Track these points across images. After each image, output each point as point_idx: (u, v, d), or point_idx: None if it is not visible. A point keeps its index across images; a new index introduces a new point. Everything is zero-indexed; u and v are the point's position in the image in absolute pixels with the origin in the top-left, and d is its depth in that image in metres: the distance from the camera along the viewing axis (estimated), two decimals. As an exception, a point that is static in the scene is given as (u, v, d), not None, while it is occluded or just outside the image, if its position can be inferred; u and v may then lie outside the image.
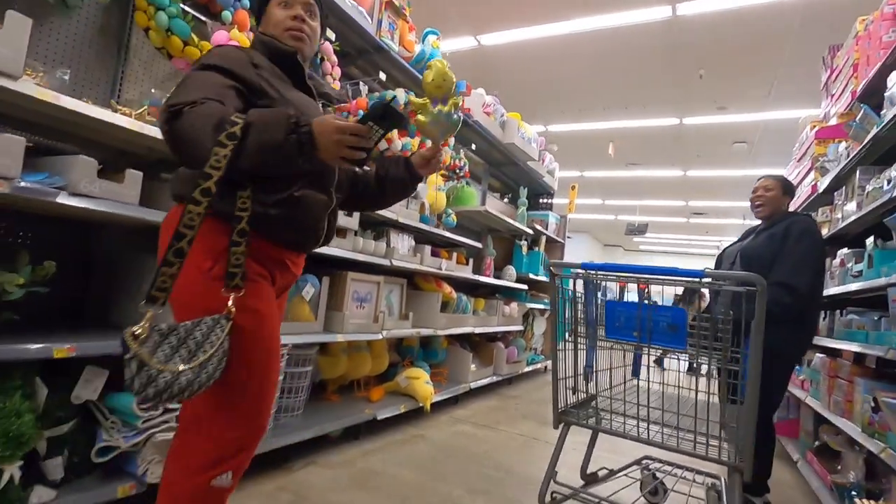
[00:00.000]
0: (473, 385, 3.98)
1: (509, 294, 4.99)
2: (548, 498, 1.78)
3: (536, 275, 5.24)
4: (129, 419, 1.59)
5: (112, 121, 1.48)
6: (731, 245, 2.57)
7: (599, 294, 1.98)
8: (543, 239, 5.59)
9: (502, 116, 4.52)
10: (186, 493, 1.04)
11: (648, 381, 1.91)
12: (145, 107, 1.68)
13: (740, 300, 1.50)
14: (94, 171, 1.45)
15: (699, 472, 2.23)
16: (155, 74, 2.17)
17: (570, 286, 1.90)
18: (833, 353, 2.56)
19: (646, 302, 1.60)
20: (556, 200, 6.54)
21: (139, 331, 0.92)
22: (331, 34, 2.56)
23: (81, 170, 1.42)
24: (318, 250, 1.67)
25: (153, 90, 1.90)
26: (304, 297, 2.33)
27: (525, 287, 5.15)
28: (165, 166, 1.96)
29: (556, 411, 1.88)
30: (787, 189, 2.39)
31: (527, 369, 5.17)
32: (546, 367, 5.95)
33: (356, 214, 2.55)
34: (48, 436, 1.43)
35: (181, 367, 0.94)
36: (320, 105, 1.32)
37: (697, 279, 1.45)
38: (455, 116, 1.23)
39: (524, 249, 5.23)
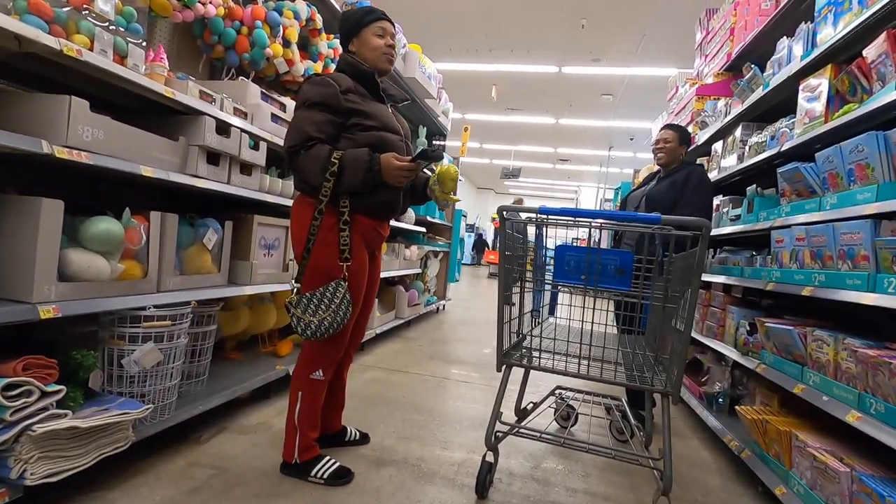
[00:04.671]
0: (379, 330, 3.91)
1: (409, 237, 4.90)
2: (493, 438, 1.83)
3: (433, 217, 5.21)
4: (-11, 411, 1.21)
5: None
6: (635, 190, 2.77)
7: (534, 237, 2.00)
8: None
9: (404, 47, 4.21)
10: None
11: (576, 320, 2.04)
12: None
13: (652, 240, 1.65)
14: None
15: (603, 396, 2.49)
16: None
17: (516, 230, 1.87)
18: (705, 286, 2.98)
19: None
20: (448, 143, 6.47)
21: (292, 299, 1.61)
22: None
23: None
24: (221, 189, 2.00)
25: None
26: (206, 245, 1.97)
27: (423, 230, 5.09)
28: (12, 76, 1.42)
29: (499, 354, 1.89)
30: (684, 139, 2.61)
31: (424, 311, 5.23)
32: (439, 307, 6.10)
33: (263, 147, 2.19)
34: None
35: (322, 315, 1.57)
36: (389, 106, 1.80)
37: (652, 224, 1.50)
38: (451, 196, 1.84)
39: (421, 191, 5.13)
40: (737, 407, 2.10)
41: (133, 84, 1.53)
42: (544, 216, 1.69)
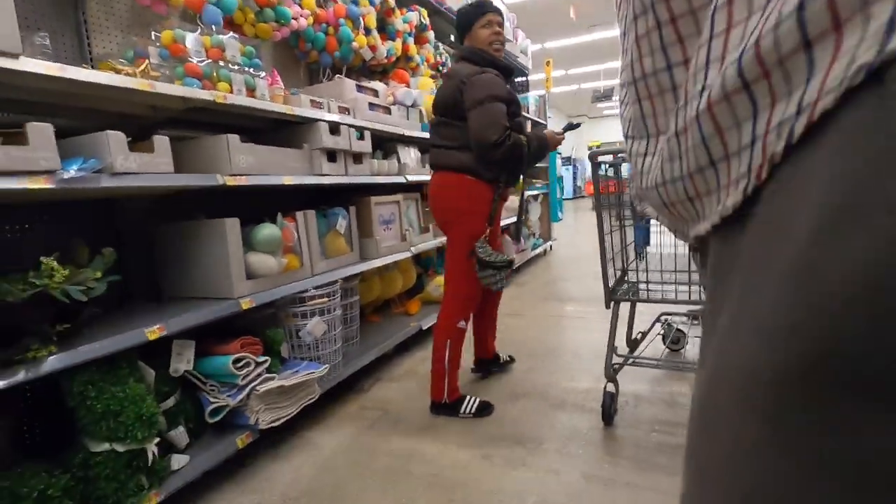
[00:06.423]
0: (492, 280, 4.16)
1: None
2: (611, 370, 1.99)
3: (527, 162, 5.24)
4: (227, 379, 1.66)
5: (129, 86, 1.33)
6: None
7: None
8: (529, 123, 5.49)
9: (472, -2, 4.17)
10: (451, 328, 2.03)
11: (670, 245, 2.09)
12: (147, 62, 1.50)
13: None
14: (126, 145, 1.34)
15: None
16: (118, 19, 1.90)
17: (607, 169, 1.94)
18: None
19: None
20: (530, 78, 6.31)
21: (500, 261, 1.92)
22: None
23: (114, 147, 1.31)
24: (342, 181, 2.32)
25: (134, 38, 1.68)
26: (339, 231, 2.32)
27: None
28: (174, 124, 1.81)
29: (606, 293, 2.02)
30: None
31: (531, 255, 5.39)
32: (546, 249, 6.21)
33: (367, 136, 2.45)
34: (162, 410, 1.50)
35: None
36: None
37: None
38: None
39: (511, 139, 5.16)
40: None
41: (265, 111, 1.85)
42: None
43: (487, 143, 1.76)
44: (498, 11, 1.95)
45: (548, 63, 6.22)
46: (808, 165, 0.25)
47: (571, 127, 2.19)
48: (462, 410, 2.05)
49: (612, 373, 1.96)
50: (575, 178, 18.78)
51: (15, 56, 1.12)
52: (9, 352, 1.09)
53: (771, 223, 0.28)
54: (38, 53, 1.34)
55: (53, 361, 1.19)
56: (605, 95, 13.21)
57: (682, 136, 0.34)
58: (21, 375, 1.13)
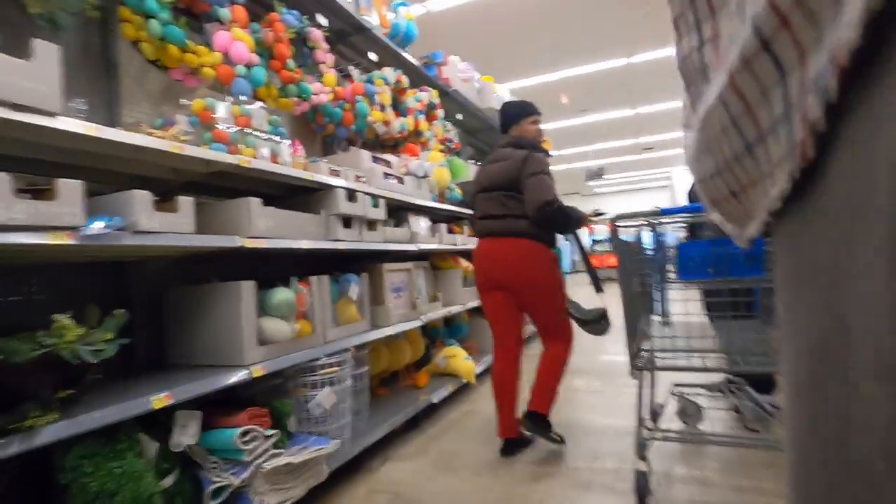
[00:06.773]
0: (499, 352, 4.04)
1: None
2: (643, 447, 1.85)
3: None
4: (231, 455, 1.52)
5: (162, 147, 1.35)
6: None
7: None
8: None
9: (477, 82, 4.45)
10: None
11: (687, 314, 2.03)
12: (178, 127, 1.54)
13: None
14: (151, 205, 1.32)
15: (718, 390, 2.41)
16: (149, 91, 1.98)
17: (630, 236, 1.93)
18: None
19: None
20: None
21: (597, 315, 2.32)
22: (323, 20, 2.41)
23: (139, 206, 1.29)
24: (356, 247, 2.32)
25: (163, 108, 1.73)
26: (352, 298, 2.26)
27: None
28: (194, 188, 1.82)
29: (632, 359, 1.94)
30: None
31: (536, 327, 5.28)
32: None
33: (382, 204, 2.47)
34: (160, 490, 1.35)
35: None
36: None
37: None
38: None
39: (514, 212, 5.25)
40: None
41: (287, 177, 1.87)
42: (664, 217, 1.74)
43: (543, 200, 2.08)
44: (540, 113, 2.42)
45: (546, 142, 6.52)
46: (866, 123, 0.19)
47: (598, 214, 2.47)
48: (554, 431, 2.25)
49: (642, 449, 1.83)
50: (571, 253, 19.00)
51: (53, 115, 1.13)
52: (6, 419, 0.99)
53: (836, 211, 0.22)
54: (72, 116, 1.37)
55: (50, 431, 1.08)
56: (597, 174, 13.73)
57: (709, 122, 0.30)
58: (14, 447, 1.02)
